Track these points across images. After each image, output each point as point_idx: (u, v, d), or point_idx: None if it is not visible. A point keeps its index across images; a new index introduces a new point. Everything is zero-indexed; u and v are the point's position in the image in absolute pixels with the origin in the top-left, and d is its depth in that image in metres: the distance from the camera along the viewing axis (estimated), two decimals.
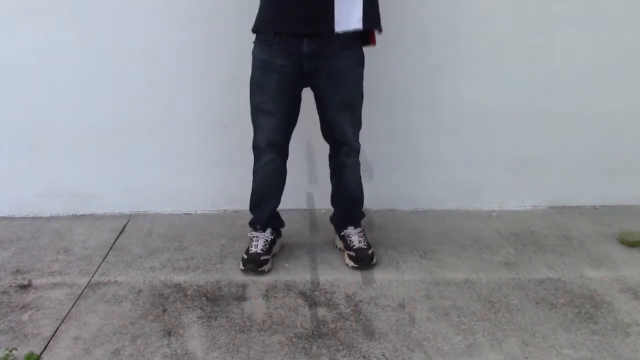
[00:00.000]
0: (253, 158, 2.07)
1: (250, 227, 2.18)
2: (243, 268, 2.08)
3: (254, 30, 1.92)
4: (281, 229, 2.23)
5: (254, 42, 1.95)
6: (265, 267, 2.08)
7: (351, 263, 2.11)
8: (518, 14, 2.31)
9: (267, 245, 2.10)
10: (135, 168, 2.50)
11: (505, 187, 2.60)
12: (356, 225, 2.19)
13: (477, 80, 2.40)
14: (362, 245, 2.13)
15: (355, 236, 2.15)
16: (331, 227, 2.28)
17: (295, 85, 1.94)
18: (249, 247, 2.12)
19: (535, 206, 2.63)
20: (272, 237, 2.14)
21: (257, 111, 1.98)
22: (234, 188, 2.52)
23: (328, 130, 2.04)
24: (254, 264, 2.06)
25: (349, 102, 1.98)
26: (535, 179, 2.59)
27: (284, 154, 2.06)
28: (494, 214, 2.57)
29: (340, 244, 2.22)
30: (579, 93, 2.45)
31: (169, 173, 2.52)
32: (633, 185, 2.62)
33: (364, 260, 2.10)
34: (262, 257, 2.07)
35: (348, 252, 2.13)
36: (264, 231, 2.14)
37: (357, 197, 2.18)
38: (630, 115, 2.49)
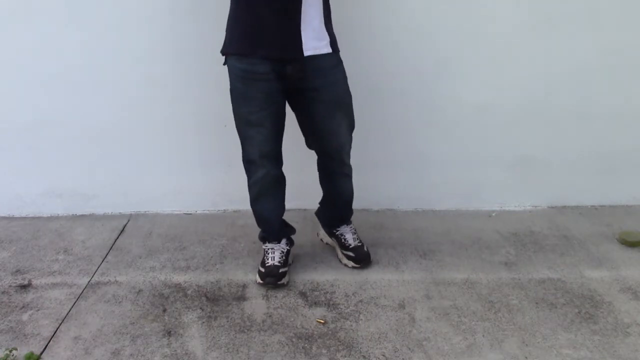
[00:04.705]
0: (245, 173, 1.98)
1: (262, 240, 2.11)
2: (261, 282, 1.99)
3: (225, 52, 1.84)
4: (292, 237, 2.15)
5: (225, 58, 1.85)
6: (284, 280, 2.00)
7: (351, 263, 2.11)
8: (518, 14, 2.31)
9: (283, 257, 2.03)
10: (135, 168, 2.50)
11: (505, 187, 2.60)
12: (348, 222, 2.20)
13: (477, 80, 2.40)
14: (357, 243, 2.13)
15: (349, 234, 2.15)
16: (316, 221, 2.26)
17: (280, 92, 1.84)
18: (264, 259, 2.04)
19: (535, 206, 2.63)
20: (288, 248, 2.08)
21: (244, 123, 1.88)
22: (234, 188, 2.52)
23: (318, 136, 1.95)
24: (273, 277, 1.97)
25: (341, 100, 1.89)
26: (535, 179, 2.59)
27: (279, 162, 1.98)
28: (494, 214, 2.57)
29: (329, 240, 2.22)
30: (579, 93, 2.44)
31: (169, 173, 2.52)
32: (633, 185, 2.61)
33: (364, 260, 2.11)
34: (281, 270, 1.99)
35: (345, 251, 2.13)
36: (278, 242, 2.07)
37: (350, 198, 2.15)
38: (630, 115, 2.49)
